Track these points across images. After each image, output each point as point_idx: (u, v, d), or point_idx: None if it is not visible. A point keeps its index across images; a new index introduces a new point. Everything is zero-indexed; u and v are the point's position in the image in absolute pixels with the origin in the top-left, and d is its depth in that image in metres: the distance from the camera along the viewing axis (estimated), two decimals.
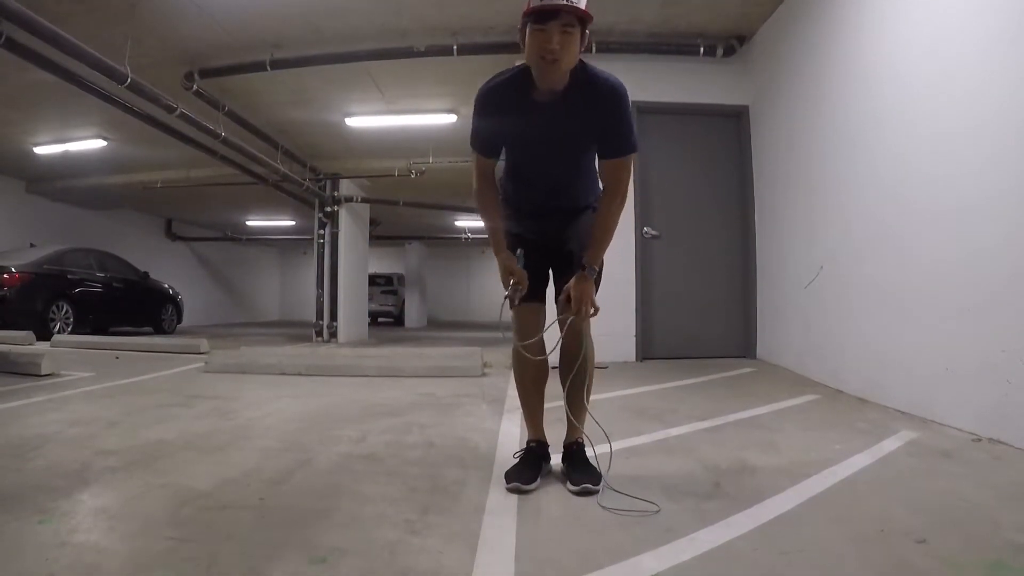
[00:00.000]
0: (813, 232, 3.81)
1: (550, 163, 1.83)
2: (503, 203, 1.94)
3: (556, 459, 1.93)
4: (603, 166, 1.78)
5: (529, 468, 1.81)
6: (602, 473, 1.76)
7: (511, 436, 2.35)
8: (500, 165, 1.96)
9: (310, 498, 1.65)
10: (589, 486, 1.69)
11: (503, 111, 1.74)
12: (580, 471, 1.77)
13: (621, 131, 1.71)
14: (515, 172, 1.92)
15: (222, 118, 6.02)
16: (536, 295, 1.85)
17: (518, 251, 1.85)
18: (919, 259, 2.75)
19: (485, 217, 1.90)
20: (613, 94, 1.68)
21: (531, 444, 1.91)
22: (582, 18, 1.56)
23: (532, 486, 1.75)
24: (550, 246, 1.88)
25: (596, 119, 1.69)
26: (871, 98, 3.17)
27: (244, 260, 17.58)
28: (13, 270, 7.29)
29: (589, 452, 1.86)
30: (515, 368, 1.93)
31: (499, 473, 1.87)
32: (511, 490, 1.72)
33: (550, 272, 1.95)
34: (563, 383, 1.87)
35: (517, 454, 1.93)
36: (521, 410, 1.99)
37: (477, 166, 1.86)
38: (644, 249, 4.78)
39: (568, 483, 1.76)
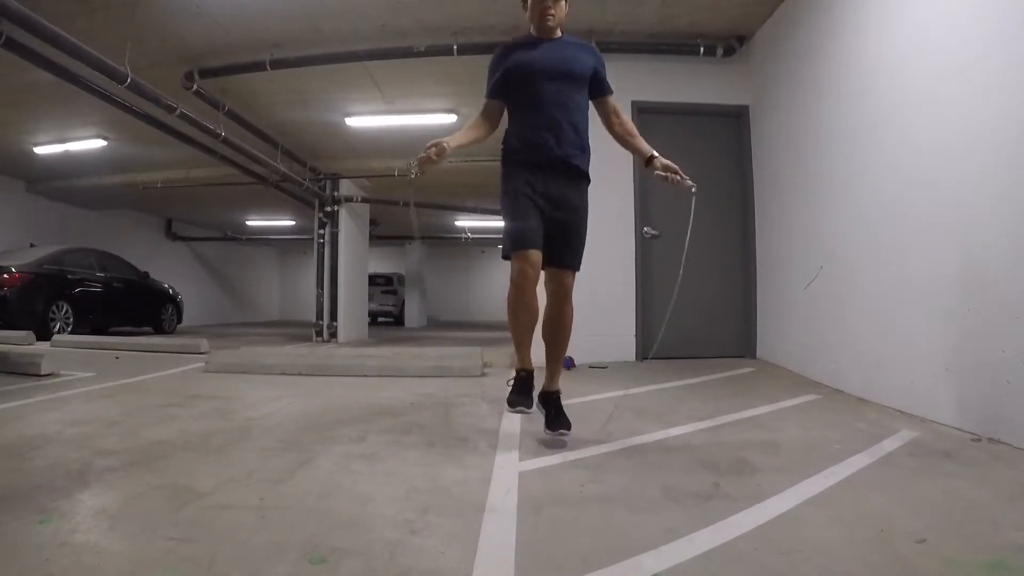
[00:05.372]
0: (813, 232, 3.81)
1: (556, 92, 2.22)
2: (511, 165, 2.28)
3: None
4: (602, 105, 2.38)
5: (525, 394, 2.25)
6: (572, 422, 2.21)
7: (511, 436, 2.35)
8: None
9: (310, 498, 1.65)
10: (563, 431, 2.15)
11: (517, 50, 2.29)
12: (557, 419, 2.19)
13: (604, 72, 2.35)
14: (525, 112, 2.26)
15: (222, 118, 6.02)
16: (538, 243, 2.18)
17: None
18: (919, 259, 2.75)
19: (470, 127, 2.31)
20: (593, 46, 2.40)
21: (521, 373, 2.30)
22: None
23: (532, 408, 2.22)
24: (552, 212, 2.21)
25: (586, 59, 2.30)
26: (871, 98, 3.17)
27: (244, 260, 17.57)
28: (13, 270, 7.29)
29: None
30: (511, 313, 2.24)
31: (499, 474, 1.88)
32: (515, 412, 2.20)
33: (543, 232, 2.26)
34: (546, 340, 2.31)
35: (510, 382, 2.32)
36: (513, 344, 2.32)
37: (483, 109, 2.34)
38: (644, 249, 4.78)
39: (546, 428, 2.20)
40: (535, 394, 2.34)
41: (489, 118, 2.36)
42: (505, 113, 2.38)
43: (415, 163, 2.13)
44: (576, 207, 2.27)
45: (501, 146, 2.35)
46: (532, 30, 2.33)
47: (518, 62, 2.26)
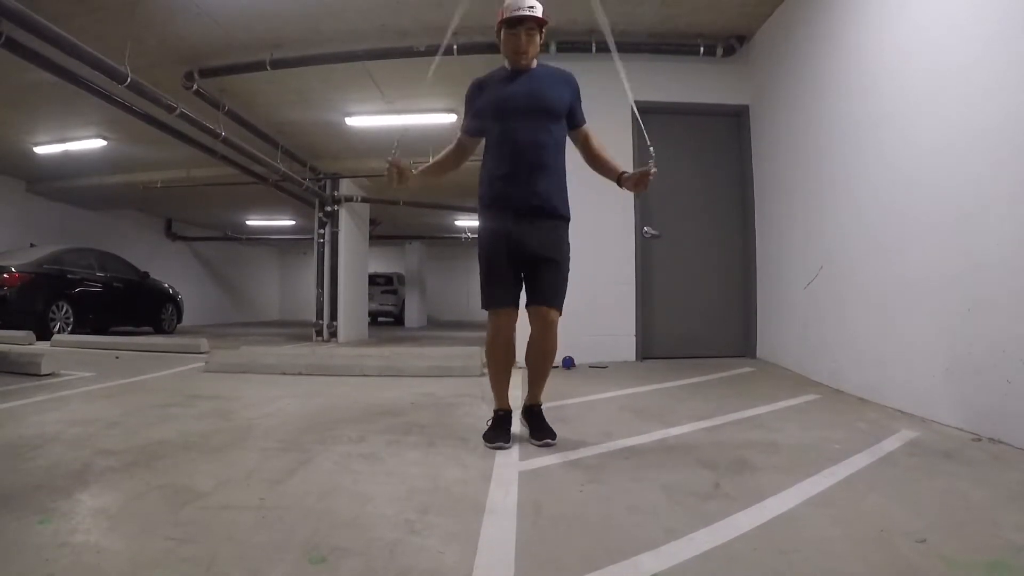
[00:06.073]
0: (813, 232, 3.81)
1: (530, 129, 2.21)
2: (486, 211, 2.29)
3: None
4: (576, 136, 2.37)
5: (503, 432, 2.28)
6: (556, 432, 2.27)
7: (511, 436, 2.35)
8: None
9: (310, 498, 1.65)
10: (548, 440, 2.22)
11: (491, 86, 2.30)
12: (541, 429, 2.28)
13: (579, 105, 2.36)
14: (499, 153, 2.25)
15: (222, 118, 6.02)
16: (512, 301, 2.25)
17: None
18: (919, 258, 2.75)
19: (440, 161, 2.42)
20: (571, 75, 2.34)
21: (499, 412, 2.35)
22: (540, 24, 2.21)
23: (510, 445, 2.22)
24: (529, 253, 2.21)
25: (562, 92, 2.28)
26: (871, 97, 3.17)
27: (244, 260, 17.58)
28: (13, 270, 7.29)
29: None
30: (489, 360, 2.37)
31: (499, 474, 1.88)
32: (494, 448, 2.19)
33: (523, 280, 2.29)
34: (528, 362, 2.35)
35: (489, 421, 2.35)
36: (491, 386, 2.41)
37: (457, 143, 2.40)
38: (644, 249, 4.78)
39: (531, 439, 2.26)
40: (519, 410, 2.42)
41: (461, 154, 2.41)
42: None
43: (390, 163, 2.24)
44: (554, 248, 2.23)
45: (478, 187, 2.34)
46: (506, 63, 2.31)
47: (491, 100, 2.26)
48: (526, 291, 2.27)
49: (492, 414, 2.36)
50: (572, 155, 2.37)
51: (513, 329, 2.27)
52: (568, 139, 2.36)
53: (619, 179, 2.28)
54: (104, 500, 1.64)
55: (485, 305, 2.27)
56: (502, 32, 2.22)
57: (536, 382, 2.36)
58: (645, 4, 4.44)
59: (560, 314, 2.24)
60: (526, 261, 2.22)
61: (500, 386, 2.37)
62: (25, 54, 4.20)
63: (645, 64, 4.83)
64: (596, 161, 2.37)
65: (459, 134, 2.39)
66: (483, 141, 2.36)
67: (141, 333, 9.21)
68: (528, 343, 2.31)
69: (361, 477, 1.85)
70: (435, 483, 1.79)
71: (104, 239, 10.39)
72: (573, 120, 2.34)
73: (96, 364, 4.71)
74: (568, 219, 2.31)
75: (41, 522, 1.44)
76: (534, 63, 2.30)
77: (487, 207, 2.28)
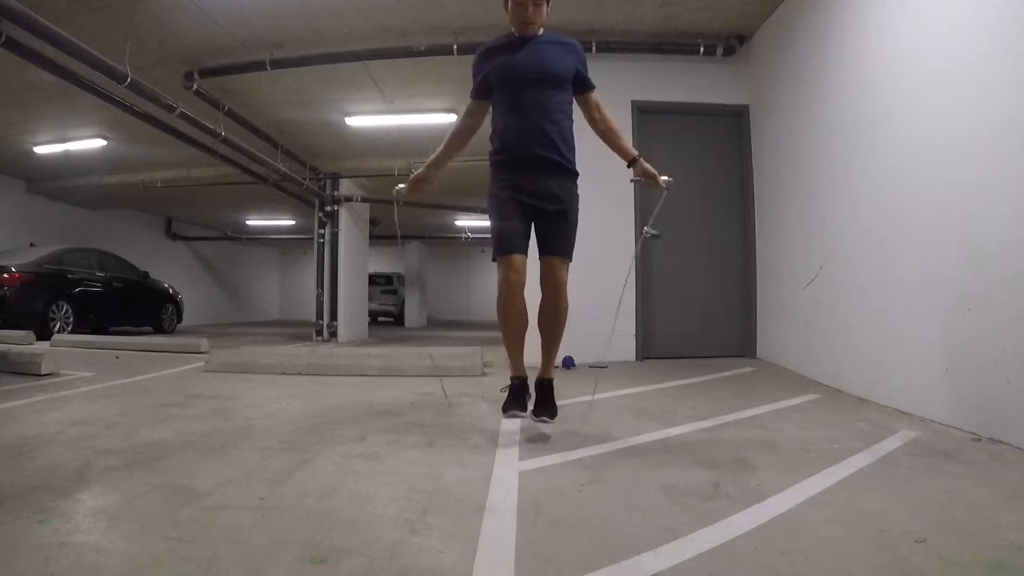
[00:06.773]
0: (813, 231, 3.81)
1: (537, 94, 2.25)
2: (497, 166, 2.35)
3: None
4: (585, 101, 2.40)
5: (518, 401, 2.34)
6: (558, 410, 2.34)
7: (511, 436, 2.35)
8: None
9: (310, 498, 1.65)
10: (545, 418, 2.25)
11: (498, 52, 2.34)
12: (544, 405, 2.30)
13: (586, 69, 2.37)
14: (507, 116, 2.30)
15: (222, 118, 6.03)
16: (520, 248, 2.25)
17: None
18: (919, 258, 2.75)
19: (449, 139, 2.47)
20: (575, 42, 2.37)
21: (514, 381, 2.39)
22: None
23: (525, 413, 2.32)
24: (540, 207, 2.27)
25: (568, 59, 2.32)
26: (871, 97, 3.17)
27: (244, 260, 17.59)
28: (13, 270, 7.29)
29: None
30: (500, 319, 2.31)
31: (499, 474, 1.88)
32: (509, 417, 2.31)
33: (532, 230, 2.33)
34: (541, 330, 2.35)
35: (504, 389, 2.42)
36: (506, 352, 2.40)
37: (467, 109, 2.45)
38: (644, 249, 4.78)
39: (531, 414, 2.29)
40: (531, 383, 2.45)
41: (473, 117, 2.47)
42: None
43: (404, 188, 2.42)
44: (563, 199, 2.30)
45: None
46: (513, 30, 2.35)
47: (499, 65, 2.31)
48: (537, 243, 2.32)
49: (508, 382, 2.41)
50: (579, 148, 2.40)
51: (522, 285, 2.26)
52: (576, 106, 2.41)
53: (631, 162, 2.34)
54: (104, 500, 1.64)
55: (494, 254, 2.28)
56: (509, 2, 2.26)
57: (548, 350, 2.36)
58: (645, 4, 4.45)
59: (570, 261, 2.31)
60: (535, 213, 2.27)
61: (514, 352, 2.39)
62: (25, 54, 4.21)
63: (645, 64, 4.84)
64: (607, 132, 2.42)
65: (468, 100, 2.44)
66: (490, 108, 2.41)
67: (141, 333, 9.21)
68: (540, 305, 2.33)
69: (361, 477, 1.84)
70: (435, 483, 1.79)
71: (104, 239, 10.40)
72: (582, 85, 2.38)
73: (96, 364, 4.71)
74: (576, 174, 2.36)
75: (41, 522, 1.44)
76: (540, 31, 2.34)
77: (497, 163, 2.35)
